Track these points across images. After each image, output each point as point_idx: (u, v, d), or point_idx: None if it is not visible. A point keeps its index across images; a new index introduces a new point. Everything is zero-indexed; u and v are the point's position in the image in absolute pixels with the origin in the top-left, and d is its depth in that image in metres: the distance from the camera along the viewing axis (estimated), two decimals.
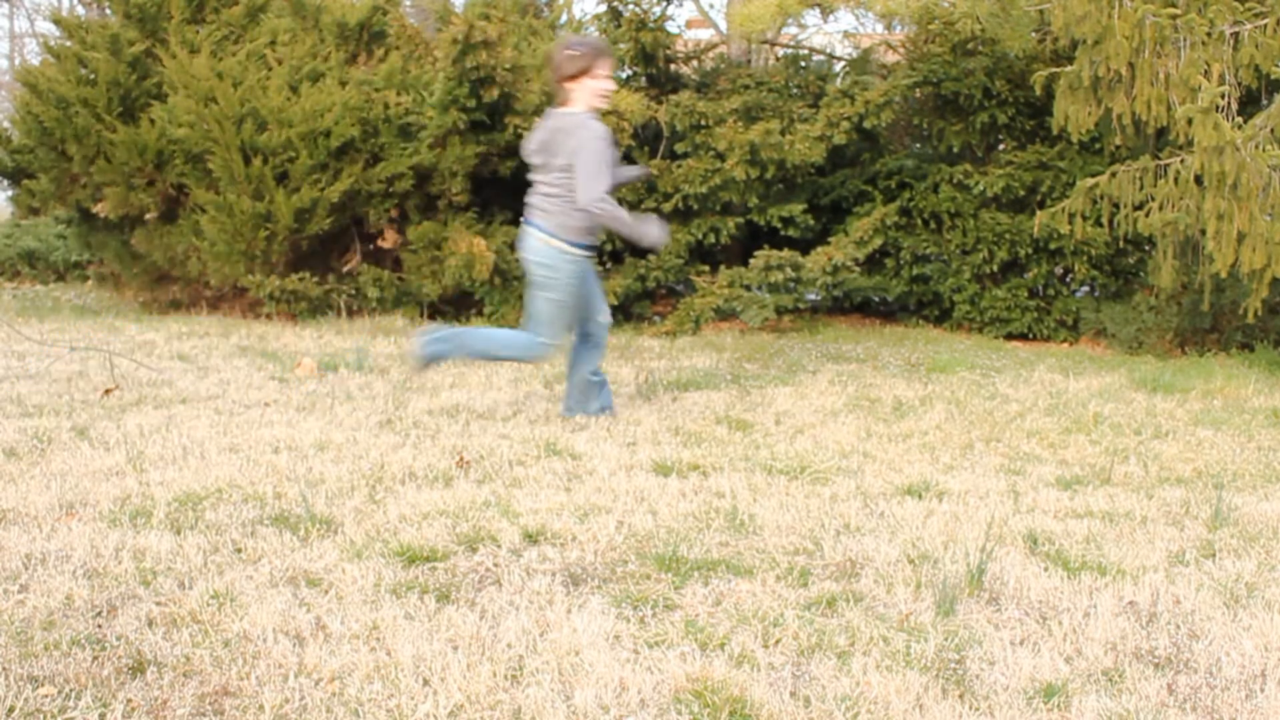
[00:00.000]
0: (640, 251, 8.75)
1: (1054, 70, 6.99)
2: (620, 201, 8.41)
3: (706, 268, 8.76)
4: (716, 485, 3.97)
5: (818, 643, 2.66)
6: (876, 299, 9.55)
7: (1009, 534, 3.48)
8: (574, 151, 4.62)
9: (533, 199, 4.84)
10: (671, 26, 9.31)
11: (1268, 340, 7.58)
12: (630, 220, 4.75)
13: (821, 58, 11.03)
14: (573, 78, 4.72)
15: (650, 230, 4.82)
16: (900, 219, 8.79)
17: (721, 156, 8.25)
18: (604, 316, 5.03)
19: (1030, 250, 8.48)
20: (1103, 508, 3.81)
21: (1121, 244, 8.09)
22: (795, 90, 9.18)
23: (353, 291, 8.46)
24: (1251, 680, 2.52)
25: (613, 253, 8.88)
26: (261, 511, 3.54)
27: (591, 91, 4.73)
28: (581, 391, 5.06)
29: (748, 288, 8.23)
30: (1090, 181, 7.08)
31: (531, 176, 4.86)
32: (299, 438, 4.52)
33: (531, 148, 4.87)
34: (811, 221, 8.69)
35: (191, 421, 4.78)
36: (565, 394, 5.16)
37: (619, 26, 8.93)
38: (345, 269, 8.66)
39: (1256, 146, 6.09)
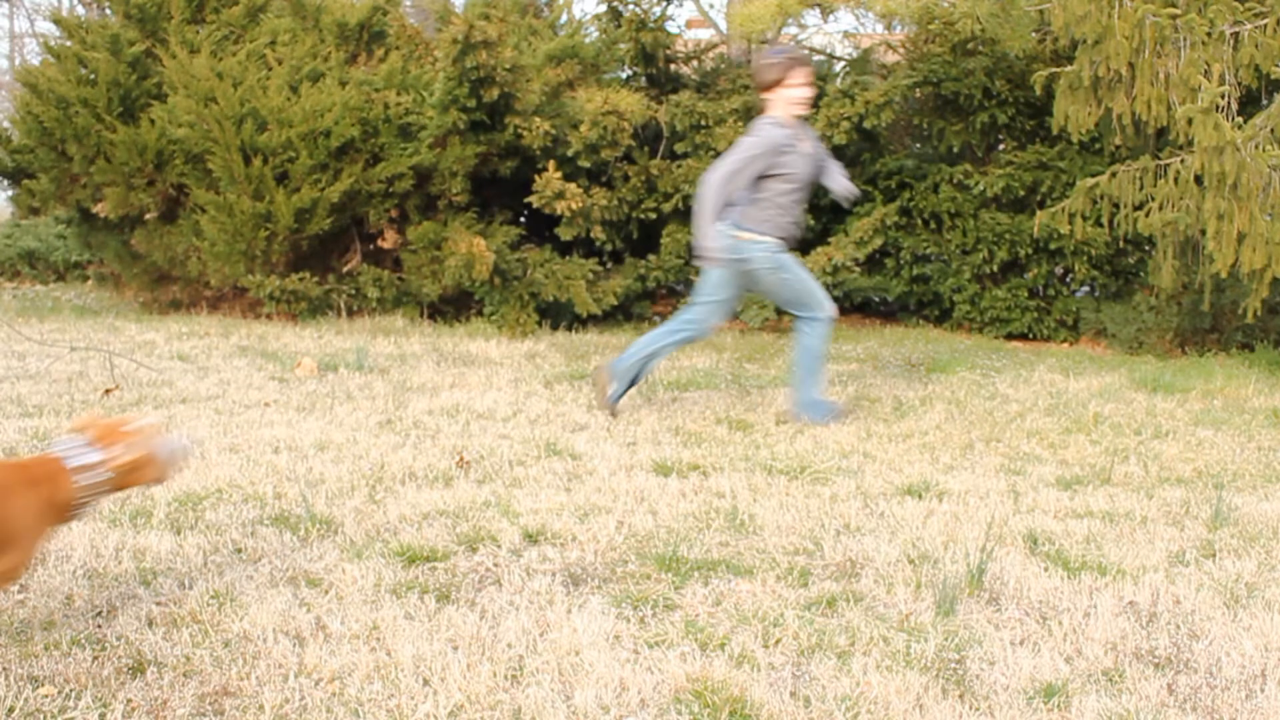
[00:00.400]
0: (640, 251, 8.75)
1: (1054, 70, 6.98)
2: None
3: None
4: (716, 485, 3.97)
5: (818, 643, 2.66)
6: (876, 299, 9.54)
7: (1009, 534, 3.48)
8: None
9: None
10: (671, 26, 9.30)
11: (1268, 340, 7.57)
12: (707, 226, 4.86)
13: (821, 58, 11.03)
14: (769, 87, 4.88)
15: (708, 243, 4.89)
16: (900, 219, 8.79)
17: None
18: (716, 319, 5.10)
19: (1030, 250, 8.48)
20: (1103, 508, 3.81)
21: (1121, 244, 8.08)
22: None
23: (353, 291, 8.46)
24: (1251, 680, 2.52)
25: (613, 252, 8.88)
26: (261, 511, 3.54)
27: (786, 100, 4.87)
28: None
29: None
30: (1090, 181, 7.07)
31: None
32: (299, 438, 4.53)
33: None
34: (811, 221, 8.68)
35: (191, 421, 4.78)
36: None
37: (619, 26, 8.93)
38: (345, 269, 8.66)
39: (1256, 146, 6.08)
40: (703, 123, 8.39)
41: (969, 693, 2.44)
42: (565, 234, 8.25)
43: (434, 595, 2.90)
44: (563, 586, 2.97)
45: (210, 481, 3.85)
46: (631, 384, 5.13)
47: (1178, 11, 6.30)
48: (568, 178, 8.03)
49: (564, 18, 9.75)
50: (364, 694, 2.38)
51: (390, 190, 8.28)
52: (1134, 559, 3.28)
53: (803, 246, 8.48)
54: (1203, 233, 6.56)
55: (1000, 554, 3.26)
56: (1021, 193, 8.55)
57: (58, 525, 2.52)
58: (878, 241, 8.54)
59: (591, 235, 8.29)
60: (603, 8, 9.09)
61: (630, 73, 9.32)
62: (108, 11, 9.87)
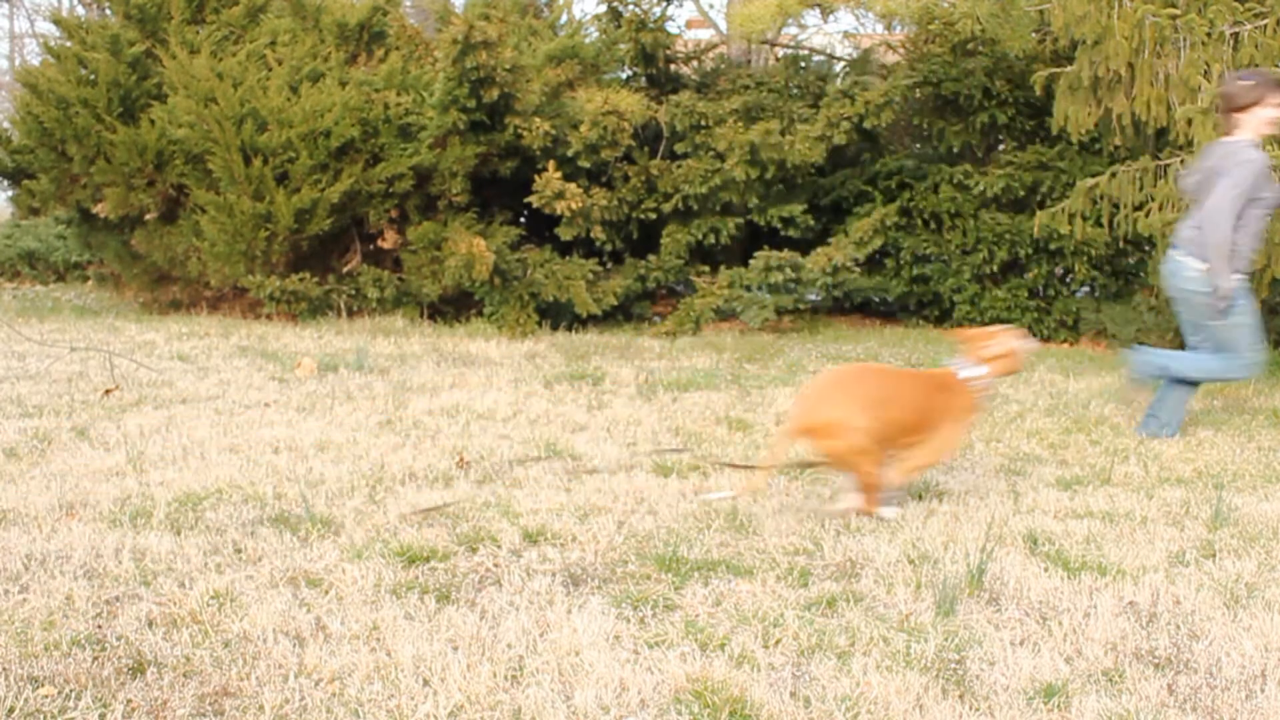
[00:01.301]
0: (640, 251, 8.75)
1: (1054, 70, 6.98)
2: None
3: (706, 268, 8.76)
4: (716, 485, 3.97)
5: (818, 643, 2.66)
6: (877, 299, 9.54)
7: (1009, 534, 3.48)
8: (1223, 176, 4.73)
9: (1184, 230, 4.91)
10: (671, 26, 9.32)
11: (1268, 340, 7.57)
12: (1224, 266, 4.75)
13: (821, 58, 11.03)
14: (1244, 108, 4.85)
15: (1225, 284, 4.78)
16: (900, 219, 8.79)
17: (721, 156, 8.25)
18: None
19: (1030, 250, 8.48)
20: (1103, 508, 3.81)
21: (1121, 244, 8.08)
22: (795, 90, 9.18)
23: (353, 291, 8.46)
24: (1251, 680, 2.52)
25: (613, 253, 8.88)
26: (261, 512, 3.54)
27: (1261, 120, 4.86)
28: (1169, 410, 5.07)
29: (748, 288, 8.23)
30: (1090, 182, 7.06)
31: (1190, 208, 4.96)
32: (299, 438, 4.52)
33: (1192, 180, 4.96)
34: (811, 222, 8.68)
35: (191, 422, 4.78)
36: (1149, 410, 5.13)
37: (619, 26, 8.93)
38: (345, 269, 8.66)
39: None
40: (703, 123, 8.39)
41: (969, 693, 2.44)
42: (565, 234, 8.25)
43: (434, 595, 2.90)
44: (563, 587, 2.97)
45: (210, 482, 3.85)
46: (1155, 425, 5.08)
47: (1177, 12, 6.30)
48: (568, 178, 8.03)
49: (564, 18, 9.76)
50: (364, 694, 2.37)
51: (390, 190, 8.28)
52: (1134, 559, 3.28)
53: (803, 246, 8.50)
54: None
55: (1000, 554, 3.26)
56: (1021, 193, 8.55)
57: (969, 419, 3.79)
58: (878, 242, 8.54)
59: (591, 235, 8.29)
60: (603, 8, 9.09)
61: (630, 73, 9.32)
62: (108, 12, 9.87)
